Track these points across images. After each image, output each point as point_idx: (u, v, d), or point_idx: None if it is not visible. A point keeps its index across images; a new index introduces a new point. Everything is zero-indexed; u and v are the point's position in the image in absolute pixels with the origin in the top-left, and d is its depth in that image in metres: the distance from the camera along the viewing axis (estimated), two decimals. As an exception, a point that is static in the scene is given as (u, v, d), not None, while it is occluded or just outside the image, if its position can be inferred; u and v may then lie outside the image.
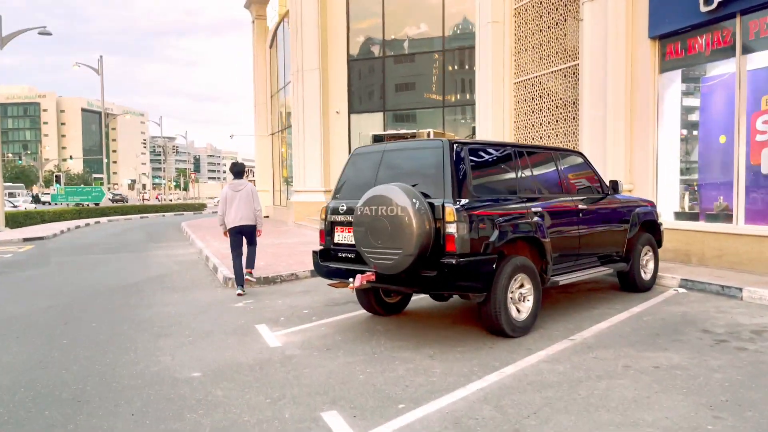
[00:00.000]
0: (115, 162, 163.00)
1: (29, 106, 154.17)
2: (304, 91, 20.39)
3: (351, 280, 5.55)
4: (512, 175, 6.05)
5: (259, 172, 29.24)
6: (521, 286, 5.72)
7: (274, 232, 18.19)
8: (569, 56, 12.36)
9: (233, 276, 9.01)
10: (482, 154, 5.90)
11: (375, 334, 5.94)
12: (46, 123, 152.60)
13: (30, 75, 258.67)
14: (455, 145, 5.52)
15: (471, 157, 5.62)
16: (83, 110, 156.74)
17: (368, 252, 5.43)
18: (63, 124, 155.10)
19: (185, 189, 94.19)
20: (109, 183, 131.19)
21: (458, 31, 18.91)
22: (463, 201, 5.30)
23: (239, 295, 8.30)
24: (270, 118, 28.07)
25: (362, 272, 5.62)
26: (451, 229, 5.15)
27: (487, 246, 5.36)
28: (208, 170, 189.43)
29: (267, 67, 28.23)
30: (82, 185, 73.99)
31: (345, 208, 6.08)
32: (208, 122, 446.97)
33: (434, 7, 18.87)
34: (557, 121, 12.73)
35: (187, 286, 9.46)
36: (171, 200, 55.66)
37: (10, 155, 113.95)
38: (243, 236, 8.70)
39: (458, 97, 19.12)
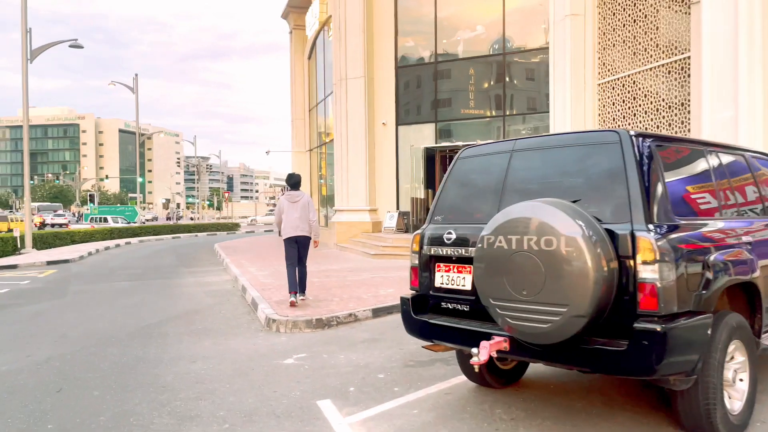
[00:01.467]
0: (150, 182, 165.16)
1: (69, 127, 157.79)
2: (347, 101, 18.72)
3: (475, 351, 3.58)
4: (709, 186, 4.03)
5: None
6: (732, 358, 3.69)
7: (315, 256, 16.37)
8: (673, 49, 10.31)
9: (277, 316, 7.29)
10: (676, 154, 3.91)
11: (499, 426, 3.97)
12: (84, 144, 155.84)
13: (70, 98, 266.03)
14: (641, 140, 3.56)
15: (663, 160, 3.64)
16: (120, 131, 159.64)
17: (503, 307, 3.49)
18: (101, 144, 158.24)
19: (218, 208, 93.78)
20: (143, 202, 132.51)
21: (522, 32, 16.99)
22: (661, 227, 3.33)
23: (291, 304, 8.17)
24: (308, 134, 26.52)
25: (487, 336, 3.68)
26: (650, 272, 3.18)
27: (699, 299, 3.36)
28: (241, 189, 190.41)
29: (305, 80, 26.76)
30: (118, 204, 74.01)
31: (453, 236, 4.17)
32: (242, 143, 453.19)
33: (493, 4, 17.02)
34: (659, 126, 10.64)
35: (220, 328, 7.64)
36: (192, 218, 54.38)
37: (50, 175, 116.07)
38: (298, 246, 8.49)
39: (521, 106, 17.16)
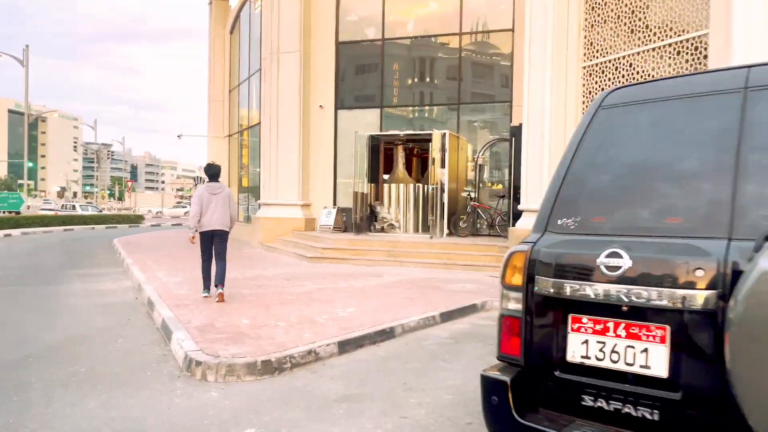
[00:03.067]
0: (43, 168, 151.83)
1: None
2: (279, 79, 16.23)
3: None
4: None
5: (211, 180, 24.61)
6: None
7: (238, 258, 13.83)
8: (683, 25, 8.80)
9: (203, 356, 4.96)
10: None
11: None
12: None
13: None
14: None
15: None
16: (10, 111, 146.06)
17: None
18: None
19: (120, 199, 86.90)
20: (35, 189, 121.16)
21: (484, 9, 15.22)
22: None
23: (205, 297, 7.94)
24: (227, 117, 23.63)
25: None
26: None
27: None
28: (146, 180, 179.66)
29: (226, 56, 23.84)
30: (5, 190, 66.44)
31: (626, 261, 2.09)
32: (149, 131, 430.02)
33: (450, -21, 15.17)
34: (663, 116, 9.12)
35: (116, 371, 5.14)
36: (74, 207, 48.91)
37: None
38: (215, 240, 8.05)
39: (480, 94, 15.43)
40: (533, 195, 10.99)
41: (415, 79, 16.28)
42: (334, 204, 16.31)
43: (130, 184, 52.38)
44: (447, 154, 13.92)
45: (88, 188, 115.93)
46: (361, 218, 14.73)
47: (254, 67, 19.78)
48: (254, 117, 20.15)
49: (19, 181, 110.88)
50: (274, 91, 16.30)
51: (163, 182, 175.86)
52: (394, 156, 16.72)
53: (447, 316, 7.14)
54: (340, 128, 16.37)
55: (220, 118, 23.87)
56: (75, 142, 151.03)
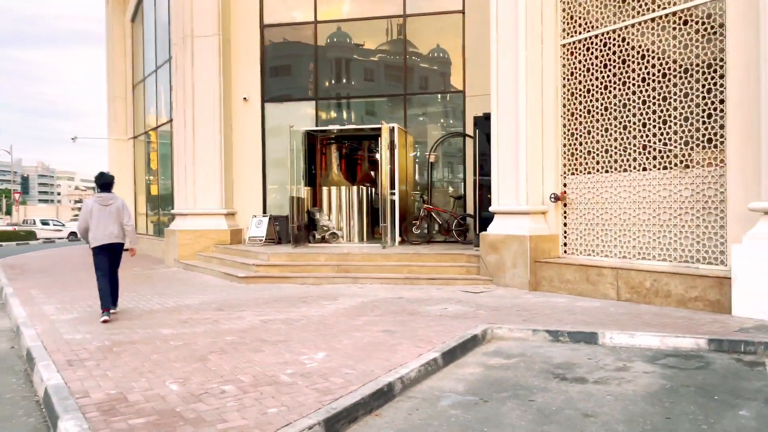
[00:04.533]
0: None
1: None
2: (193, 67, 13.89)
3: None
4: None
5: (114, 189, 21.50)
6: None
7: (151, 281, 11.39)
8: (693, -8, 7.55)
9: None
10: None
11: None
12: None
13: None
14: None
15: None
16: None
17: None
18: None
19: (8, 213, 78.65)
20: None
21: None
22: None
23: (104, 322, 7.13)
24: (131, 116, 20.73)
25: None
26: None
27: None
28: (39, 191, 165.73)
29: (127, 47, 20.93)
30: None
31: None
32: (43, 139, 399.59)
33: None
34: (666, 97, 7.83)
35: None
36: None
37: None
38: (110, 255, 7.55)
39: (429, 82, 13.81)
40: (507, 194, 9.46)
41: (355, 68, 14.45)
42: (264, 212, 14.15)
43: (17, 196, 46.64)
44: (396, 151, 12.19)
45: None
46: (299, 227, 12.69)
47: (162, 57, 17.20)
48: (164, 115, 17.55)
49: None
50: (189, 83, 13.93)
51: (59, 194, 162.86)
52: (327, 156, 14.80)
53: (449, 357, 5.36)
54: (269, 124, 14.24)
55: (123, 118, 20.92)
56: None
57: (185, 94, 14.00)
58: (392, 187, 12.08)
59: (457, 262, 10.27)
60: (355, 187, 13.64)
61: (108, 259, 7.55)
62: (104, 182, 7.72)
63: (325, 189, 13.83)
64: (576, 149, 9.06)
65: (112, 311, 7.45)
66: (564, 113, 9.21)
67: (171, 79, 15.40)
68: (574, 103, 9.05)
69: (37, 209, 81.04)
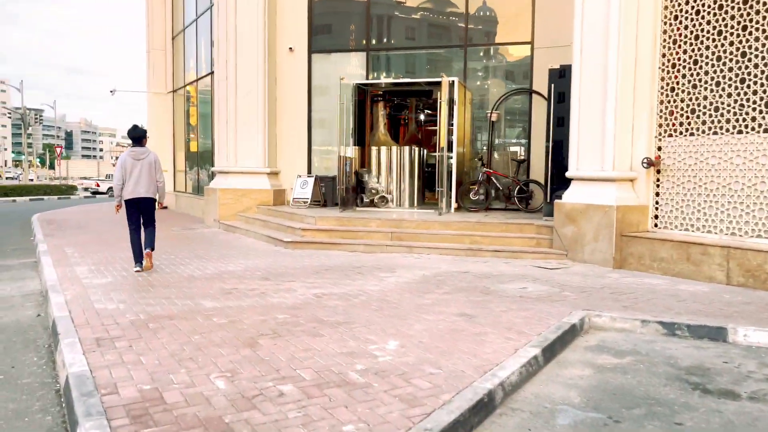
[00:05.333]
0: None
1: None
2: (236, 15, 12.87)
3: None
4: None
5: (153, 144, 20.89)
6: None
7: (190, 242, 10.66)
8: None
9: None
10: None
11: None
12: None
13: None
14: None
15: None
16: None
17: None
18: None
19: (52, 167, 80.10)
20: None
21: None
22: None
23: (137, 271, 7.44)
24: (170, 69, 19.92)
25: None
26: None
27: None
28: (83, 147, 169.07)
29: (168, -4, 19.99)
30: None
31: None
32: (84, 97, 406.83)
33: None
34: (803, 46, 6.50)
35: None
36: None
37: None
38: (140, 209, 7.59)
39: (494, 33, 12.50)
40: (589, 158, 8.30)
41: (411, 15, 13.21)
42: (309, 172, 13.26)
43: (58, 150, 46.90)
44: (456, 108, 11.06)
45: (16, 156, 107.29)
46: (347, 189, 11.76)
47: (203, 4, 16.22)
48: (204, 68, 16.68)
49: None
50: (231, 31, 12.94)
51: (101, 150, 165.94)
52: (374, 114, 13.73)
53: (549, 353, 4.39)
54: (316, 78, 13.21)
55: (162, 70, 20.13)
56: (5, 110, 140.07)
57: (227, 44, 13.04)
58: (450, 148, 11.01)
59: (525, 233, 9.21)
60: (407, 148, 12.58)
61: (139, 214, 7.62)
62: (136, 136, 7.65)
63: (374, 149, 12.82)
64: (676, 107, 7.80)
65: (146, 250, 7.62)
66: (663, 64, 7.92)
67: (212, 29, 14.44)
68: (677, 52, 7.75)
69: (78, 164, 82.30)
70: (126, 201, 7.55)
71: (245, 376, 3.72)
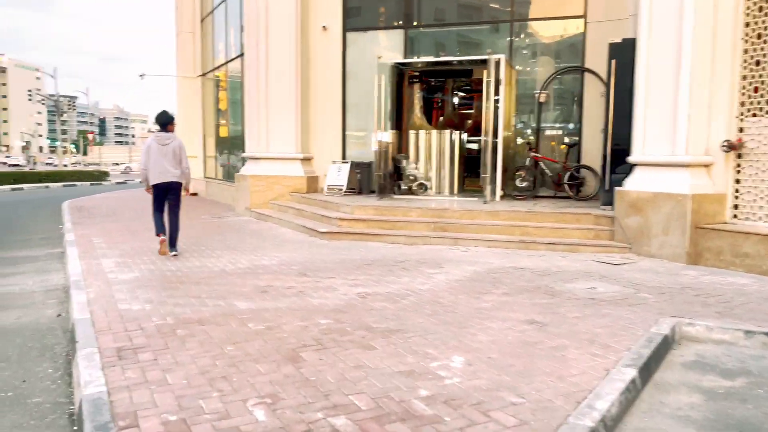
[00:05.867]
0: (5, 121, 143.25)
1: None
2: (268, -8, 12.22)
3: None
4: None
5: (182, 129, 20.53)
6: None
7: (221, 231, 10.14)
8: None
9: None
10: None
11: None
12: None
13: None
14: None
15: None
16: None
17: None
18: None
19: (85, 153, 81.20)
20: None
21: None
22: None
23: (162, 242, 7.63)
24: (199, 52, 19.42)
25: None
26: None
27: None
28: (116, 133, 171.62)
29: (196, -23, 19.43)
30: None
31: None
32: (116, 84, 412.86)
33: None
34: None
35: None
36: (35, 165, 45.80)
37: None
38: (167, 194, 7.62)
39: (542, 6, 11.60)
40: (658, 140, 7.47)
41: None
42: (344, 157, 12.61)
43: (91, 136, 47.22)
44: (502, 88, 10.27)
45: (52, 142, 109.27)
46: (386, 176, 11.09)
47: (233, -17, 15.61)
48: (234, 50, 16.12)
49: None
50: (262, 10, 12.30)
51: (133, 136, 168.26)
52: (409, 96, 12.98)
53: (645, 373, 3.68)
54: (350, 58, 12.52)
55: (191, 54, 19.63)
56: (38, 95, 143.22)
57: (258, 24, 12.41)
58: (495, 132, 10.23)
59: (583, 224, 8.43)
60: (447, 132, 11.84)
61: (164, 198, 7.66)
62: (164, 121, 7.68)
63: (411, 133, 12.11)
64: (762, 82, 6.91)
65: (171, 254, 7.61)
66: (747, 35, 7.02)
67: (242, 9, 13.82)
68: (764, 21, 6.84)
69: (110, 150, 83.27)
70: (154, 186, 7.59)
71: (289, 403, 3.11)
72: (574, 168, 10.68)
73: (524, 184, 10.84)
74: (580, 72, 10.92)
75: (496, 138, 10.25)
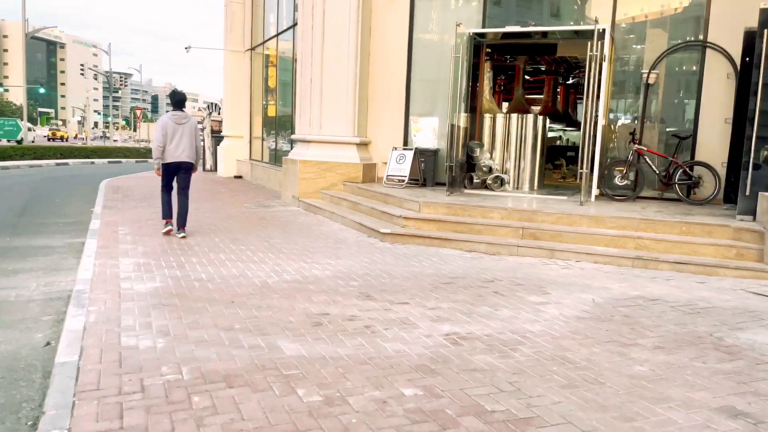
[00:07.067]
0: (63, 96, 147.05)
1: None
2: (326, -49, 10.64)
3: None
4: None
5: (228, 108, 19.29)
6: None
7: (265, 225, 8.71)
8: None
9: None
10: None
11: None
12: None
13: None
14: None
15: None
16: (30, 37, 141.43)
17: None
18: (5, 50, 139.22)
19: (134, 129, 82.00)
20: (54, 119, 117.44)
21: None
22: None
23: (166, 233, 7.53)
24: (249, 24, 18.04)
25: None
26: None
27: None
28: (167, 111, 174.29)
29: (248, -58, 18.00)
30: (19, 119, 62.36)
31: None
32: (170, 63, 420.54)
33: None
34: None
35: None
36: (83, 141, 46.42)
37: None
38: (179, 173, 7.57)
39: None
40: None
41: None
42: (405, 143, 11.02)
43: (138, 112, 47.01)
44: (606, 66, 8.47)
45: (99, 116, 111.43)
46: (458, 166, 9.46)
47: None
48: (286, 21, 14.66)
49: (40, 110, 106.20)
50: (319, -28, 10.75)
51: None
52: (483, 74, 11.25)
53: None
54: (418, 28, 10.85)
55: (240, 25, 18.27)
56: (92, 70, 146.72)
57: (313, -11, 10.87)
58: (595, 120, 8.47)
59: (717, 238, 6.63)
60: (530, 117, 10.10)
61: (174, 177, 7.61)
62: (178, 99, 7.66)
63: (487, 117, 10.41)
64: None
65: (180, 235, 7.47)
66: None
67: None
68: None
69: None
70: (165, 165, 7.49)
71: None
72: (688, 165, 8.80)
73: (624, 181, 9.03)
74: (700, 48, 8.98)
75: (596, 126, 8.48)
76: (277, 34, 15.31)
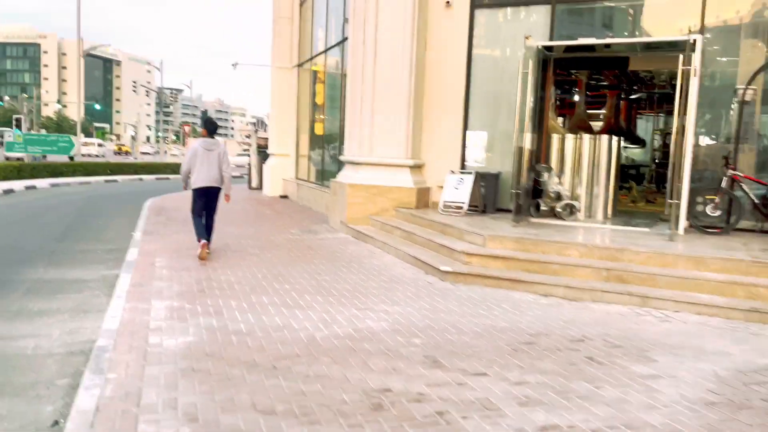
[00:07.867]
0: (118, 111, 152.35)
1: (29, 47, 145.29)
2: (379, -40, 9.96)
3: None
4: None
5: (275, 125, 18.81)
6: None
7: (303, 253, 7.97)
8: None
9: None
10: None
11: None
12: (46, 66, 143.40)
13: (33, 18, 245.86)
14: None
15: None
16: (87, 55, 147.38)
17: None
18: (64, 67, 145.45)
19: (183, 144, 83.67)
20: (110, 133, 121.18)
21: None
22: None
23: (201, 257, 7.45)
24: (296, 40, 17.58)
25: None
26: None
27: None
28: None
29: (297, -44, 17.60)
30: (55, 134, 64.12)
31: None
32: (220, 78, 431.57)
33: None
34: None
35: None
36: (134, 157, 47.49)
37: (6, 97, 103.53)
38: (207, 198, 7.82)
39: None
40: None
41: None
42: (463, 166, 10.15)
43: (186, 128, 47.67)
44: (696, 81, 7.44)
45: (159, 133, 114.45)
46: (523, 193, 8.54)
47: (337, -42, 13.55)
48: (334, 37, 14.08)
49: (96, 125, 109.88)
50: (371, -16, 10.07)
51: (232, 128, 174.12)
52: (549, 91, 10.29)
53: None
54: (478, 39, 10.02)
55: (288, 42, 17.82)
56: (149, 88, 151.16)
57: (366, 3, 10.19)
58: (681, 142, 7.44)
59: None
60: (604, 138, 9.10)
61: (204, 202, 7.81)
62: (212, 128, 8.00)
63: (555, 138, 9.47)
64: None
65: (202, 242, 7.60)
66: None
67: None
68: None
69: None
70: (194, 189, 7.71)
71: None
72: (793, 194, 7.65)
73: (717, 212, 7.93)
74: (808, 60, 7.85)
75: (686, 150, 7.44)
76: (326, 50, 14.74)
